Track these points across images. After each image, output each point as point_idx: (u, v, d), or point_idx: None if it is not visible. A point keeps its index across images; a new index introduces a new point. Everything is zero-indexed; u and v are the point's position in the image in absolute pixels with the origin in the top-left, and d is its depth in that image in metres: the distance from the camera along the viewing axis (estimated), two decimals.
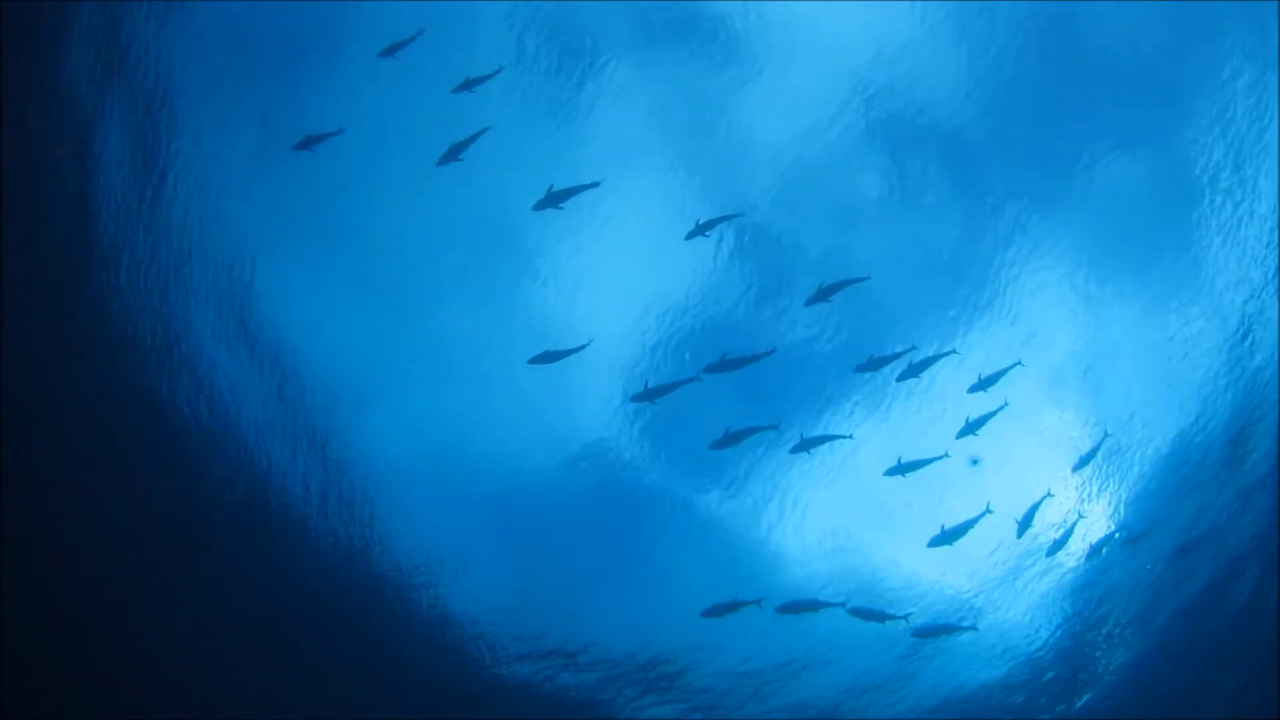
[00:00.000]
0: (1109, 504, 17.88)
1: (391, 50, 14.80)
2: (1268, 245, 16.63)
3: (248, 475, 15.33)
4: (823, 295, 15.26)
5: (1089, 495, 17.77)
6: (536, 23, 16.01)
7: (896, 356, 16.17)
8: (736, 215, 16.29)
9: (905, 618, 16.85)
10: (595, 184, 14.97)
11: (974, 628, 17.68)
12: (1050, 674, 18.55)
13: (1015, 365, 16.25)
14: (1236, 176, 16.66)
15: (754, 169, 17.08)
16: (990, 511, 16.24)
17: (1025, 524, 16.81)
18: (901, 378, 16.19)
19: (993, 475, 17.30)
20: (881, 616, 16.54)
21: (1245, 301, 16.94)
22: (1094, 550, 17.76)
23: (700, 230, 15.28)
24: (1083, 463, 17.30)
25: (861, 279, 15.45)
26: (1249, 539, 17.34)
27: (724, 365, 15.28)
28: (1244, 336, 17.02)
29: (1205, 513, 17.64)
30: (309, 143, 14.62)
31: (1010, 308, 17.54)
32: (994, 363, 16.95)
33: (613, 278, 17.30)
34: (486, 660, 17.04)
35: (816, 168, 17.05)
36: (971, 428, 15.97)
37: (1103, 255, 17.44)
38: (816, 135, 16.86)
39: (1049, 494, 17.09)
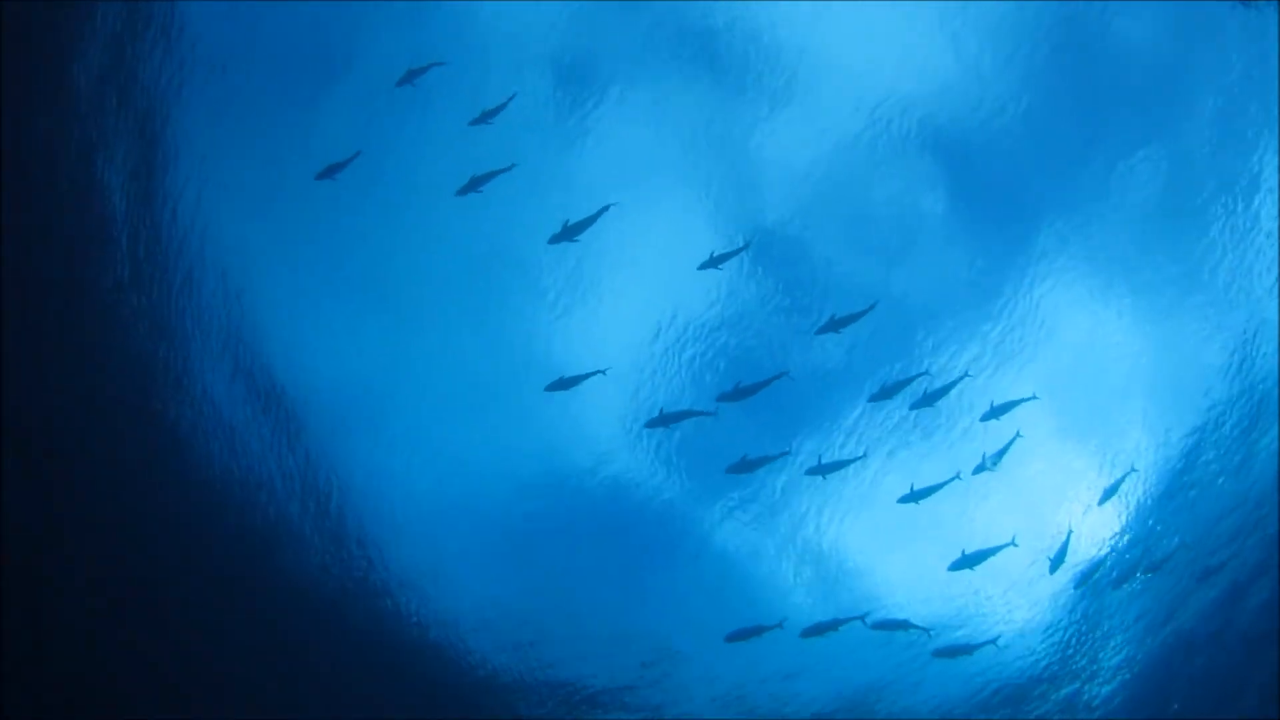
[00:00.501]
0: (1132, 529, 17.91)
1: (409, 78, 14.87)
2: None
3: (264, 501, 15.60)
4: (833, 326, 15.26)
5: (1114, 524, 17.82)
6: (553, 40, 16.11)
7: (909, 381, 16.23)
8: (746, 246, 16.32)
9: (927, 631, 17.02)
10: (607, 208, 14.96)
11: (994, 643, 17.57)
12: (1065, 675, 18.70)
13: (1030, 399, 16.27)
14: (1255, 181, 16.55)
15: (769, 183, 17.14)
16: (1015, 545, 16.24)
17: (1058, 561, 16.89)
18: (915, 406, 16.25)
19: (1013, 489, 17.39)
20: (904, 626, 16.84)
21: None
22: (1119, 579, 17.83)
23: (714, 263, 15.30)
24: (1108, 495, 17.25)
25: (871, 307, 15.40)
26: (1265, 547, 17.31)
27: (737, 394, 15.35)
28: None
29: (1224, 522, 17.63)
30: (331, 171, 14.68)
31: (1028, 318, 17.50)
32: (1008, 369, 17.30)
33: (632, 295, 17.38)
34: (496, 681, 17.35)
35: (831, 178, 17.09)
36: (987, 463, 16.05)
37: (1119, 265, 17.38)
38: (830, 145, 16.89)
39: (1071, 530, 17.13)
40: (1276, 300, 16.60)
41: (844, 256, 17.40)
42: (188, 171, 14.62)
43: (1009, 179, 17.17)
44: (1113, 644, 18.50)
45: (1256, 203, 16.55)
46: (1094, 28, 16.13)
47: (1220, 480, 17.50)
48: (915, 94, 16.39)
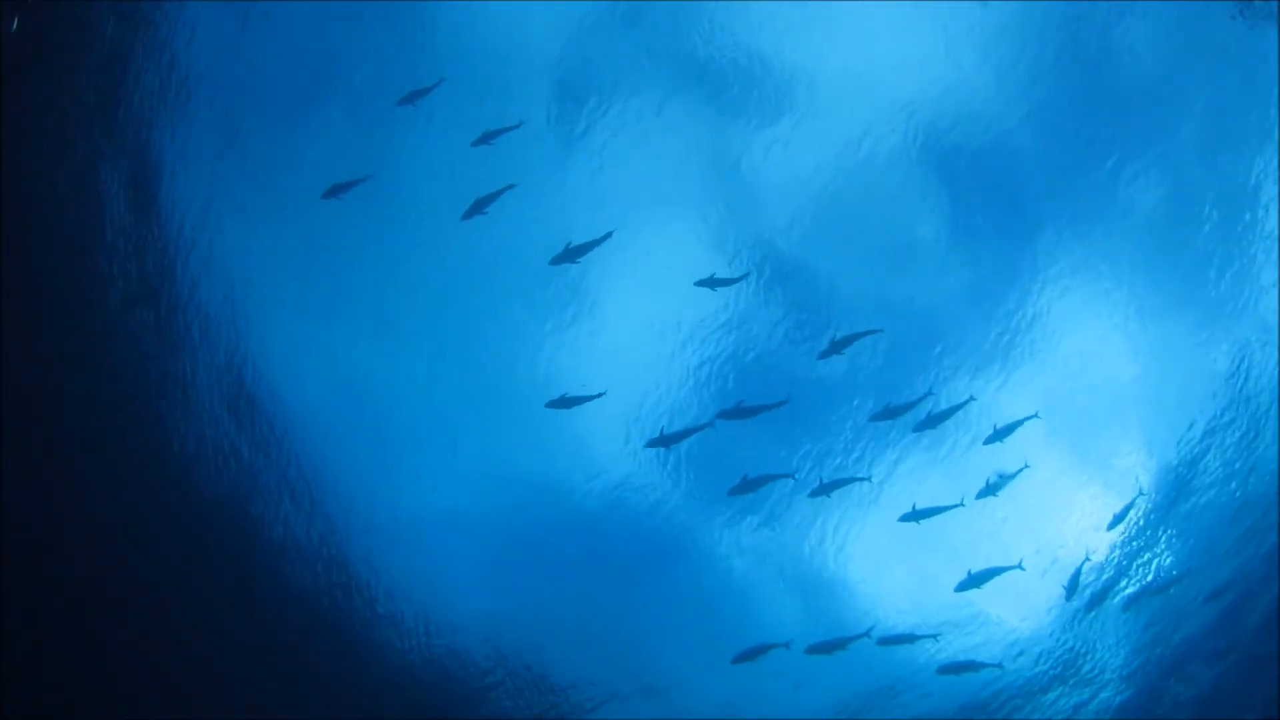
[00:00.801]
0: (1141, 548, 17.83)
1: (411, 98, 14.90)
2: None
3: (273, 527, 15.90)
4: (835, 348, 15.25)
5: (1125, 549, 17.73)
6: (557, 56, 16.09)
7: (913, 405, 16.14)
8: (745, 276, 16.39)
9: (935, 637, 17.08)
10: (609, 235, 15.01)
11: (999, 665, 17.70)
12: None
13: (1031, 417, 16.10)
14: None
15: (777, 195, 17.04)
16: (1022, 568, 16.28)
17: (1072, 588, 17.07)
18: (919, 428, 16.15)
19: (1019, 502, 17.12)
20: (911, 639, 16.84)
21: None
22: (1129, 601, 17.81)
23: (711, 284, 15.33)
24: (1117, 520, 17.21)
25: (873, 331, 15.52)
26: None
27: (738, 412, 15.42)
28: None
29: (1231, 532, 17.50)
30: (336, 190, 14.73)
31: (1032, 329, 17.40)
32: (1013, 382, 17.20)
33: (640, 305, 17.35)
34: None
35: (840, 191, 16.98)
36: (992, 489, 16.04)
37: (1123, 276, 17.19)
38: (836, 157, 16.76)
39: (1088, 557, 17.23)
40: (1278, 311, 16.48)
41: (851, 268, 17.33)
42: (193, 186, 14.77)
43: (1013, 192, 17.07)
44: (1122, 654, 18.41)
45: (1258, 213, 16.39)
46: (1096, 42, 16.02)
47: (1227, 490, 17.35)
48: (918, 106, 16.29)
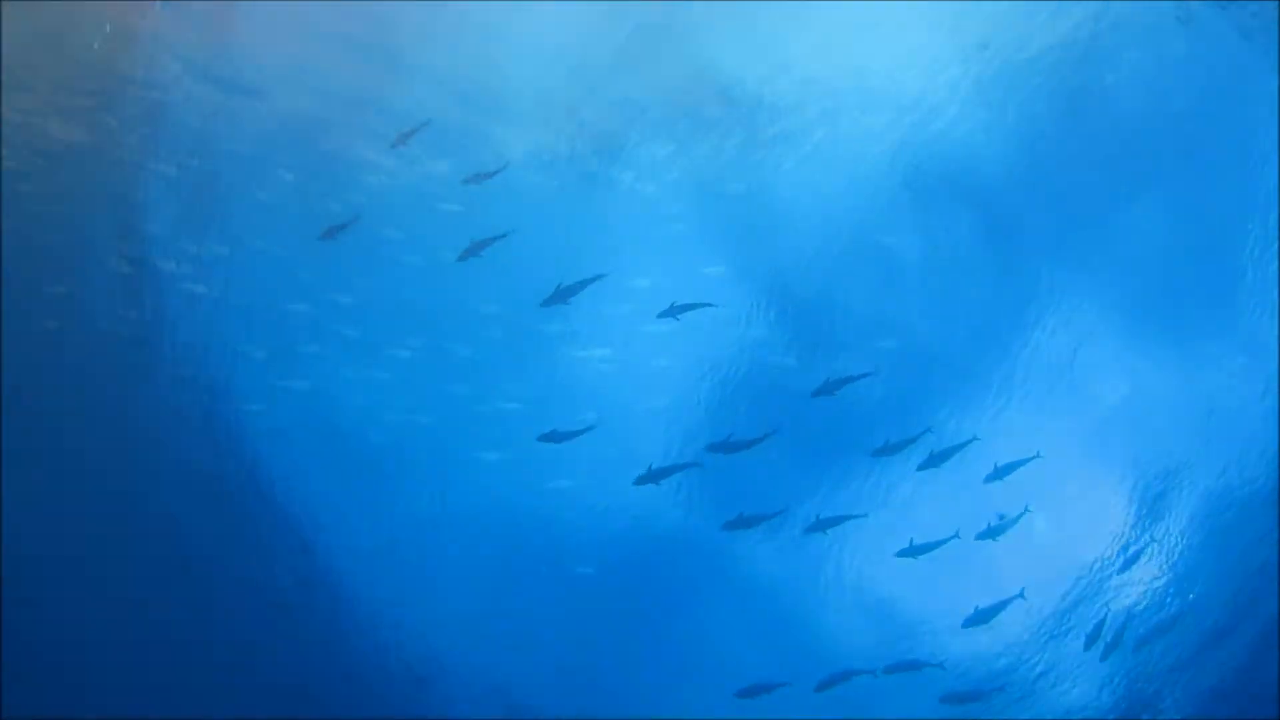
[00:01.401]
0: (1154, 588, 17.54)
1: (402, 139, 15.07)
2: None
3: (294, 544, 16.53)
4: (829, 388, 15.17)
5: (1135, 590, 17.49)
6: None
7: (913, 441, 15.92)
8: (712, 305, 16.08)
9: (940, 664, 17.11)
10: (601, 276, 15.13)
11: (1002, 689, 17.63)
12: None
13: (1034, 457, 15.83)
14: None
15: (777, 227, 16.97)
16: (1024, 598, 16.37)
17: (1094, 636, 17.07)
18: (922, 467, 15.99)
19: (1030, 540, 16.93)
20: (915, 666, 16.93)
21: None
22: (1140, 642, 17.56)
23: (673, 313, 15.22)
24: (1128, 564, 17.13)
25: (866, 374, 15.45)
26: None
27: (727, 447, 15.42)
28: None
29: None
30: (332, 232, 15.08)
31: (1040, 362, 17.18)
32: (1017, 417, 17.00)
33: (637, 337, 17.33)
34: None
35: (842, 228, 16.84)
36: (992, 532, 15.92)
37: (1136, 310, 17.00)
38: (839, 194, 16.65)
39: (1108, 612, 17.19)
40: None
41: (853, 298, 17.14)
42: (181, 225, 15.25)
43: (1013, 222, 16.88)
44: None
45: (1254, 230, 16.29)
46: (1096, 74, 15.87)
47: (1231, 509, 17.13)
48: (917, 137, 16.16)
